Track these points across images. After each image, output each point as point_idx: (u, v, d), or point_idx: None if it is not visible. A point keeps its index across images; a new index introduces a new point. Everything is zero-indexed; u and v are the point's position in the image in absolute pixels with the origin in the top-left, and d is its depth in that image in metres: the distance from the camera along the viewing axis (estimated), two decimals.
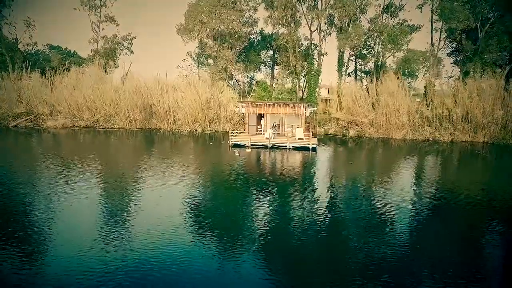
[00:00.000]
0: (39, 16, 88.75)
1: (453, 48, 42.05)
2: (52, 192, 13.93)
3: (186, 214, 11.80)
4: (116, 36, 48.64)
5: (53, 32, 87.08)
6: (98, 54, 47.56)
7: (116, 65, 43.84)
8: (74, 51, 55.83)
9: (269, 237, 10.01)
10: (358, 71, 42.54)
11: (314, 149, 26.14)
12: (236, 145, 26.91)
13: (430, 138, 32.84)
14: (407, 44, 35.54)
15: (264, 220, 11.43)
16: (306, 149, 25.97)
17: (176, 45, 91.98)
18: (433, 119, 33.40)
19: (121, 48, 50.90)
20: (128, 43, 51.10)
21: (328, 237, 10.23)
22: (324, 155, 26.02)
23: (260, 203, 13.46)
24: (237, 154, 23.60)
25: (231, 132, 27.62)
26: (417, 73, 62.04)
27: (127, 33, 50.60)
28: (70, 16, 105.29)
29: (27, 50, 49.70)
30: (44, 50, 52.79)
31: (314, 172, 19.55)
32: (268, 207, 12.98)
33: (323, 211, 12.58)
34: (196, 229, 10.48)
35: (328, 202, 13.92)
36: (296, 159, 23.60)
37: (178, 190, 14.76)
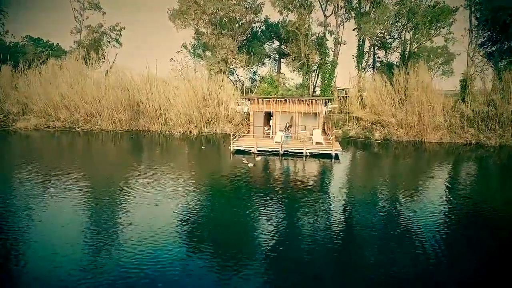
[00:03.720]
0: (16, 5, 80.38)
1: (485, 38, 36.43)
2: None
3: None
4: (102, 25, 43.09)
5: (34, 23, 78.99)
6: (81, 45, 42.02)
7: (101, 58, 38.14)
8: (57, 43, 50.32)
9: None
10: (378, 63, 36.78)
11: (337, 157, 20.58)
12: (238, 152, 21.36)
13: (473, 142, 27.18)
14: (449, 27, 29.83)
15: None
16: (326, 156, 20.39)
17: (171, 37, 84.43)
18: (474, 119, 27.77)
19: (108, 39, 45.42)
20: (116, 34, 45.60)
21: None
22: (350, 164, 20.44)
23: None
24: (246, 162, 18.16)
25: (233, 135, 22.00)
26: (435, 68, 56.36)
27: (115, 23, 45.19)
28: (53, 4, 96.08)
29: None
30: (22, 43, 47.14)
31: (350, 191, 13.91)
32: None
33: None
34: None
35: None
36: (319, 170, 18.01)
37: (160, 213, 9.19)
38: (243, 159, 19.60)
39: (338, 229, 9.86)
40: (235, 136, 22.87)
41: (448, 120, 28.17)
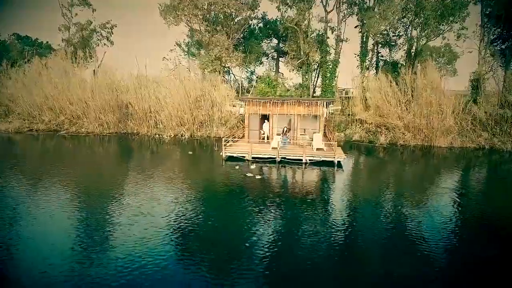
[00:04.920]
0: (4, 1, 75.91)
1: (495, 35, 34.39)
2: None
3: None
4: (91, 22, 41.05)
5: (22, 21, 75.07)
6: (69, 43, 40.01)
7: (89, 57, 36.00)
8: (46, 42, 48.34)
9: None
10: (382, 61, 34.65)
11: (339, 164, 18.56)
12: (231, 158, 19.36)
13: (486, 146, 25.14)
14: (463, 21, 27.67)
15: None
16: (328, 163, 18.37)
17: (166, 35, 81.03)
18: (487, 122, 25.73)
19: (98, 38, 43.39)
20: (107, 32, 43.57)
21: None
22: (353, 173, 18.36)
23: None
24: (239, 168, 16.05)
25: (225, 140, 19.94)
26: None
27: (106, 20, 43.16)
28: (42, 1, 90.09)
29: None
30: (8, 41, 45.11)
31: (354, 206, 11.83)
32: None
33: None
34: None
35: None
36: (320, 180, 15.97)
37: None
38: (237, 167, 17.62)
39: (342, 248, 7.84)
40: (228, 141, 20.84)
41: (459, 123, 26.15)
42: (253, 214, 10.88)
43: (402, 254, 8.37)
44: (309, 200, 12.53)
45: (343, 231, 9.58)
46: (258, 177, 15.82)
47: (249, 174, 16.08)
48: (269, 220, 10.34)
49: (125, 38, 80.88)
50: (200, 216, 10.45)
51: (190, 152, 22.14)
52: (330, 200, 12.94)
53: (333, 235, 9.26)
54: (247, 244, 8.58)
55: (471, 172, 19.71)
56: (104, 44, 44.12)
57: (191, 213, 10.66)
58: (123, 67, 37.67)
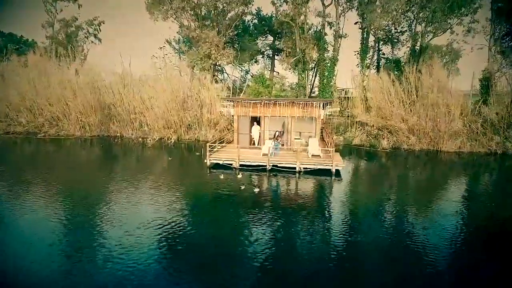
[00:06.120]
0: None
1: (504, 31, 32.27)
2: None
3: None
4: (76, 19, 38.91)
5: (7, 17, 71.23)
6: (53, 41, 37.87)
7: (72, 55, 33.74)
8: (32, 39, 46.16)
9: None
10: (383, 59, 32.46)
11: (337, 173, 16.49)
12: (218, 166, 17.29)
13: (499, 151, 23.02)
14: (474, 13, 25.52)
15: None
16: (324, 172, 16.27)
17: (157, 33, 77.17)
18: (499, 124, 23.62)
19: (85, 35, 41.26)
20: (94, 29, 41.44)
21: None
22: (353, 182, 16.23)
23: None
24: (223, 178, 13.93)
25: (210, 145, 17.77)
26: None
27: (92, 16, 41.02)
28: None
29: None
30: None
31: (354, 224, 9.69)
32: None
33: None
34: None
35: None
36: (314, 192, 13.82)
37: None
38: (221, 176, 15.55)
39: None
40: (214, 147, 18.69)
41: (468, 126, 24.04)
42: (230, 241, 8.72)
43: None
44: (299, 218, 10.39)
45: (339, 268, 7.43)
46: (242, 187, 13.72)
47: (232, 186, 13.99)
48: (250, 244, 8.19)
49: (114, 36, 78.03)
50: (167, 243, 8.29)
51: (170, 158, 19.99)
52: (324, 218, 10.77)
53: (330, 268, 7.12)
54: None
55: (482, 181, 17.66)
56: (92, 41, 42.09)
57: (154, 241, 8.50)
58: (110, 66, 35.68)
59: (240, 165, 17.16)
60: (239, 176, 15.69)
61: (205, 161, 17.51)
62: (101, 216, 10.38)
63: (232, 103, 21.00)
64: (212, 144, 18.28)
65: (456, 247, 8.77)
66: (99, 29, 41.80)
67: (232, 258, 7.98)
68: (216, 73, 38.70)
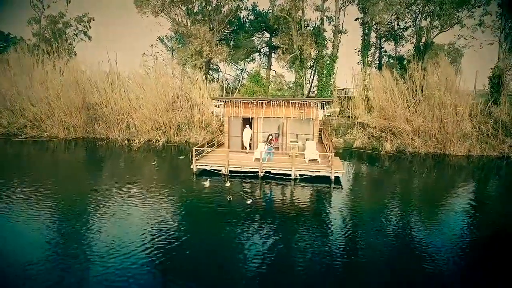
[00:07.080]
0: None
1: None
2: None
3: None
4: (64, 15, 37.22)
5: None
6: (40, 38, 36.18)
7: (57, 52, 31.96)
8: (21, 37, 44.32)
9: None
10: (385, 56, 30.78)
11: (337, 180, 14.84)
12: (205, 172, 15.63)
13: (511, 155, 21.35)
14: (487, 4, 23.80)
15: None
16: (323, 179, 14.62)
17: (150, 30, 74.09)
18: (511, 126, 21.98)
19: (75, 32, 39.59)
20: (84, 26, 39.76)
21: None
22: (354, 190, 14.48)
23: None
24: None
25: (196, 149, 16.07)
26: None
27: (82, 13, 39.38)
28: None
29: None
30: None
31: (355, 240, 8.00)
32: None
33: None
34: None
35: None
36: (310, 202, 12.11)
37: None
38: (206, 183, 13.87)
39: None
40: (201, 151, 17.00)
41: (477, 127, 22.38)
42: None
43: None
44: (293, 228, 8.68)
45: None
46: (230, 198, 12.03)
47: (220, 196, 12.31)
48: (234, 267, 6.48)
49: (105, 34, 75.65)
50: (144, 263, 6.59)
51: (154, 163, 18.27)
52: (320, 237, 9.05)
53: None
54: None
55: (493, 187, 16.00)
56: (81, 39, 40.42)
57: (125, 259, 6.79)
58: (98, 64, 33.92)
59: (230, 172, 15.50)
60: (227, 184, 14.00)
61: (191, 167, 15.84)
62: (61, 231, 8.67)
63: (223, 103, 19.32)
64: (199, 148, 16.57)
65: (466, 273, 7.06)
66: (89, 26, 40.16)
67: None
68: (211, 72, 37.05)
